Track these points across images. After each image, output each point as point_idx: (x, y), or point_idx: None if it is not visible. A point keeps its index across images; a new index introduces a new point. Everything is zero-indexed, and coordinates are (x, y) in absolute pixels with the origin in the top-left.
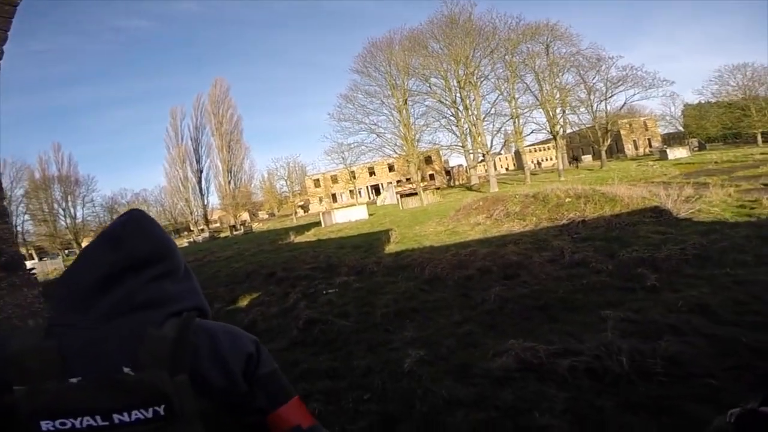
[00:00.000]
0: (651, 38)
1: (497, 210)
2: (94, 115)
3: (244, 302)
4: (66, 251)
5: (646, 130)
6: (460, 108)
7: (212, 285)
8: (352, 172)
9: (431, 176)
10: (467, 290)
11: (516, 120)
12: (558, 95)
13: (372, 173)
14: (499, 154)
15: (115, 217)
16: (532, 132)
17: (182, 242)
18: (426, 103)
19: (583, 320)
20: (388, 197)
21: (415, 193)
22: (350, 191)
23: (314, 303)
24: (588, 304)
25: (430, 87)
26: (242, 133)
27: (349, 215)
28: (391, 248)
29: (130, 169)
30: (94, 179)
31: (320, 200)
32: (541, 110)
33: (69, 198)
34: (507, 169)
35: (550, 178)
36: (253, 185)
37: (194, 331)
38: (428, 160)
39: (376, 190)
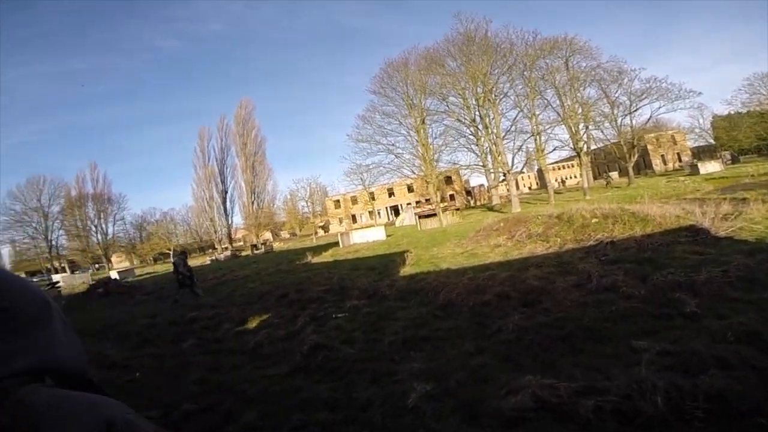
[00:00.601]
0: (675, 50)
1: (519, 231)
2: (127, 134)
3: (253, 324)
4: (96, 265)
5: (675, 144)
6: (480, 127)
7: (226, 305)
8: (371, 193)
9: (451, 197)
10: (483, 318)
11: (537, 137)
12: (580, 110)
13: (391, 194)
14: (521, 172)
15: (143, 234)
16: (554, 149)
17: (205, 260)
18: (444, 122)
19: (611, 352)
20: (406, 218)
21: (434, 214)
22: (369, 212)
23: (322, 327)
24: (618, 334)
25: (448, 106)
26: (266, 153)
27: (366, 236)
28: (405, 271)
29: (160, 188)
30: (125, 198)
31: (340, 221)
32: (563, 126)
33: (102, 215)
34: (530, 188)
35: (575, 196)
36: (275, 206)
37: (8, 410)
38: (448, 180)
39: (395, 210)
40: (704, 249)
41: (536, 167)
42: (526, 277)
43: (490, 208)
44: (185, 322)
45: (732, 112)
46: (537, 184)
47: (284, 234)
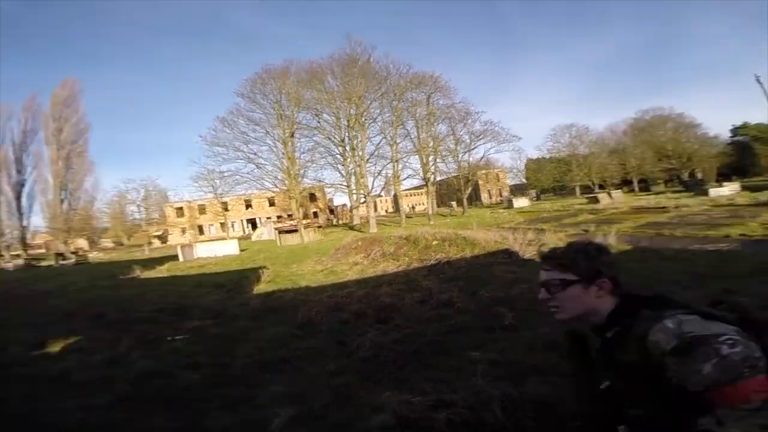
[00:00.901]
0: (509, 97)
1: (374, 250)
2: None
3: (56, 347)
4: None
5: (498, 180)
6: (348, 147)
7: (11, 325)
8: (224, 202)
9: (315, 214)
10: (342, 336)
11: (395, 164)
12: (432, 144)
13: (249, 206)
14: (380, 196)
15: None
16: (408, 177)
17: None
18: (314, 138)
19: (454, 365)
20: (265, 232)
21: (296, 230)
22: (221, 224)
23: (155, 352)
24: (456, 347)
25: (319, 122)
26: (88, 144)
27: (215, 249)
28: (261, 288)
29: None
30: None
31: (183, 231)
32: (417, 156)
33: None
34: (386, 211)
35: (421, 221)
36: (96, 207)
37: None
38: (312, 197)
39: (253, 224)
40: (516, 269)
41: (393, 192)
42: (379, 294)
43: (351, 227)
44: None
45: (540, 157)
46: (393, 207)
47: (107, 243)
